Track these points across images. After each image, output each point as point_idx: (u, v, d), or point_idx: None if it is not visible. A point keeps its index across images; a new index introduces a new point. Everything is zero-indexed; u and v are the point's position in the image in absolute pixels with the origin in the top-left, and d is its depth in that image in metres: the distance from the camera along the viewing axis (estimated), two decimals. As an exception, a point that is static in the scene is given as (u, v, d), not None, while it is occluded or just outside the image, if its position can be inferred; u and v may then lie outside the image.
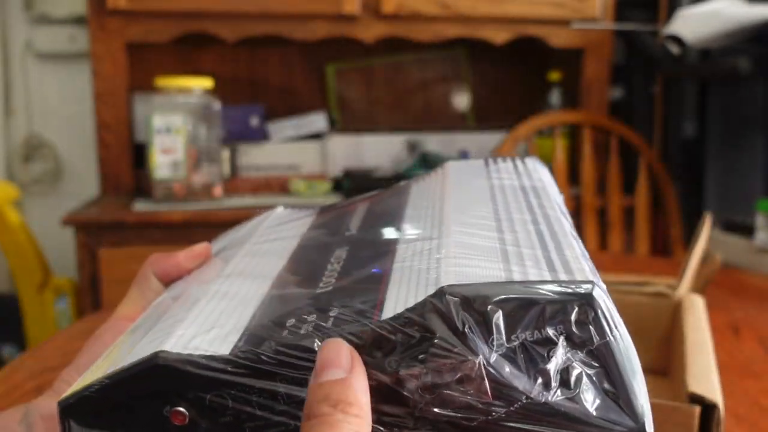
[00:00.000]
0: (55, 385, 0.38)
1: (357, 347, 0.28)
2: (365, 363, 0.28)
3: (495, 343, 0.27)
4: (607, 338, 0.28)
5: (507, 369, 0.27)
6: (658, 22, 1.79)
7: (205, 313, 0.34)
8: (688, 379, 0.45)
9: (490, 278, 0.29)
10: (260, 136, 1.86)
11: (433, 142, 1.90)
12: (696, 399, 0.43)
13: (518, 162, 0.49)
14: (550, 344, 0.28)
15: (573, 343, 0.28)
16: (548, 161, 1.79)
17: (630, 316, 0.37)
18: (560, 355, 0.28)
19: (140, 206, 1.58)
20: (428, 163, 1.80)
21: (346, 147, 1.87)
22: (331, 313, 0.31)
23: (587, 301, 0.28)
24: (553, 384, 0.28)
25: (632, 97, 1.92)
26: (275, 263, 0.40)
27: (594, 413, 0.27)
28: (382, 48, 1.94)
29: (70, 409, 0.30)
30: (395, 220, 0.42)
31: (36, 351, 0.81)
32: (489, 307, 0.27)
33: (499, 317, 0.27)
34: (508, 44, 1.84)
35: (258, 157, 1.83)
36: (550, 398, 0.27)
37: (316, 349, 0.28)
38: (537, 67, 2.02)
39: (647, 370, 0.30)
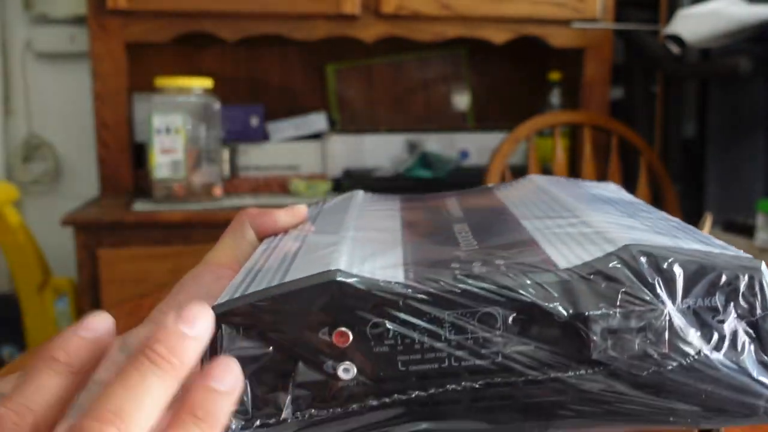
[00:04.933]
0: (152, 315, 0.38)
1: (545, 293, 0.30)
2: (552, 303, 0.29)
3: (677, 300, 0.30)
4: None
5: (685, 324, 0.30)
6: (658, 22, 1.79)
7: (357, 250, 0.34)
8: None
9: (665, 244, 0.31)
10: (260, 136, 1.86)
11: (433, 142, 1.90)
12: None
13: (600, 183, 0.51)
14: (718, 310, 0.30)
15: (738, 312, 0.30)
16: (548, 161, 1.79)
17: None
18: (731, 319, 0.30)
19: (140, 206, 1.58)
20: (428, 163, 1.80)
21: (346, 147, 1.86)
22: (498, 262, 0.31)
23: (757, 273, 0.30)
24: (725, 345, 0.30)
25: (632, 97, 1.91)
26: (394, 225, 0.40)
27: (754, 376, 0.30)
28: (382, 48, 1.94)
29: (224, 316, 0.30)
30: (499, 208, 0.43)
31: (36, 351, 0.80)
32: (674, 266, 0.30)
33: (680, 277, 0.30)
34: (508, 44, 1.84)
35: (258, 157, 1.83)
36: (720, 357, 0.30)
37: (509, 284, 0.29)
38: (537, 67, 2.02)
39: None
